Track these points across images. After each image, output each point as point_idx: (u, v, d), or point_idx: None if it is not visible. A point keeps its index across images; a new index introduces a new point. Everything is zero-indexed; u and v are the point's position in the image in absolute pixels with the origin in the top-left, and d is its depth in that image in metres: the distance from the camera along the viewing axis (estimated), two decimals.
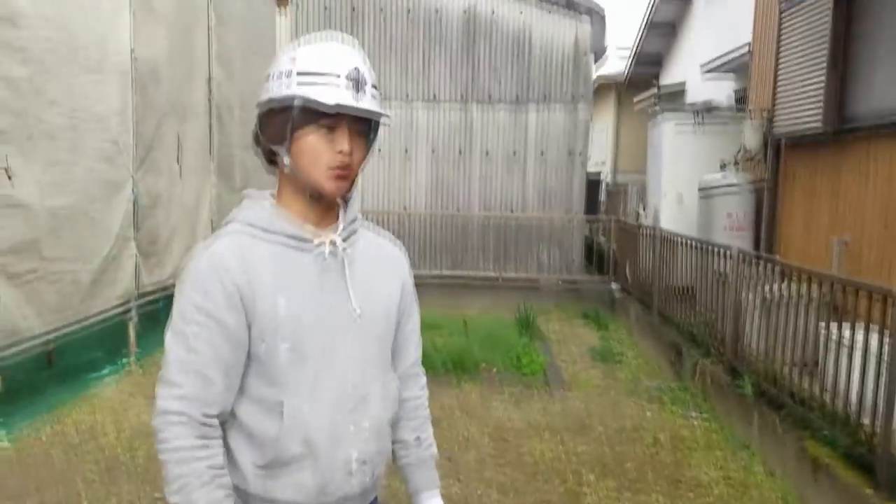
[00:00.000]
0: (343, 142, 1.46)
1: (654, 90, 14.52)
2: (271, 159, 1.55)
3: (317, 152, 1.47)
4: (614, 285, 9.87)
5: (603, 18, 10.23)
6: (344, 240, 1.56)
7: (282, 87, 1.46)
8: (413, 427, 1.77)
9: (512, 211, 10.51)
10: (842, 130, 5.86)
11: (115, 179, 5.96)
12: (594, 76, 12.96)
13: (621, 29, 15.92)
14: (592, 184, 11.97)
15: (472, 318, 7.90)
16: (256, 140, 1.56)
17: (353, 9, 10.28)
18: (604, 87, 17.43)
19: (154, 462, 4.35)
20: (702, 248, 6.37)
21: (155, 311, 7.58)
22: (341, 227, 1.57)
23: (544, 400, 5.81)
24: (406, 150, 10.51)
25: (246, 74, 8.64)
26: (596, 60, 10.76)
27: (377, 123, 1.55)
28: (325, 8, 10.31)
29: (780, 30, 6.90)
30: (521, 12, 10.19)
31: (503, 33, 10.25)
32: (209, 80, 8.16)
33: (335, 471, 1.53)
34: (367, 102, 1.45)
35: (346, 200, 1.62)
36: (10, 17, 4.52)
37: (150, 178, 6.62)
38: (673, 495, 4.15)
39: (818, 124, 6.01)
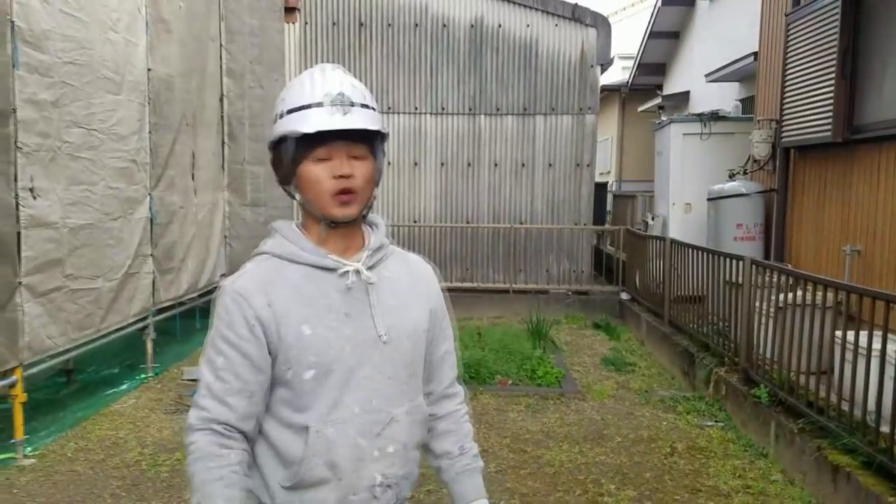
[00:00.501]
0: (340, 166, 1.52)
1: (658, 99, 14.60)
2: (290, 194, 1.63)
3: (318, 181, 1.53)
4: (624, 294, 9.92)
5: (609, 29, 10.31)
6: (370, 267, 1.61)
7: (276, 129, 1.55)
8: (456, 439, 1.79)
9: (521, 221, 10.57)
10: (852, 139, 5.92)
11: (133, 197, 6.04)
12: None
13: (624, 37, 15.98)
14: (599, 193, 12.01)
15: (484, 329, 7.95)
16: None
17: (361, 23, 10.38)
18: (607, 96, 17.50)
19: (179, 475, 4.45)
20: (714, 257, 6.42)
21: (171, 325, 7.67)
22: (366, 254, 1.62)
23: (560, 410, 5.86)
24: (415, 163, 10.59)
25: (256, 89, 8.73)
26: (602, 70, 10.82)
27: (381, 141, 1.60)
28: (334, 23, 10.41)
29: (786, 39, 6.97)
30: (528, 25, 10.28)
31: (510, 45, 10.34)
32: (221, 95, 8.26)
33: (359, 493, 1.56)
34: (353, 121, 1.50)
35: (371, 225, 1.69)
36: (36, 42, 4.61)
37: (165, 194, 6.70)
38: None
39: (828, 133, 6.07)
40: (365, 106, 1.53)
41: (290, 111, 1.53)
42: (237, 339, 1.51)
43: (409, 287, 1.69)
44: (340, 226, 1.58)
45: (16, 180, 4.49)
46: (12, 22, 4.38)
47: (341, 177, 1.52)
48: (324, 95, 1.50)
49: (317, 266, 1.57)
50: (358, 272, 1.58)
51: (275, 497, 1.57)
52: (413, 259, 1.77)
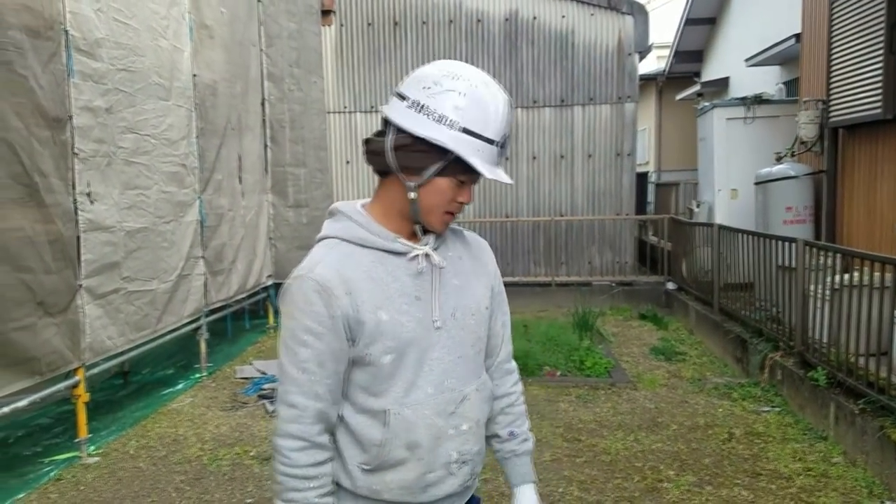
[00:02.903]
0: (468, 195, 1.57)
1: (697, 86, 14.40)
2: (382, 171, 1.58)
3: (445, 198, 1.54)
4: (670, 284, 9.81)
5: (646, 16, 10.21)
6: (435, 248, 1.62)
7: (441, 133, 1.47)
8: (507, 422, 1.82)
9: (561, 214, 10.53)
10: None
11: (183, 200, 6.16)
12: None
13: (659, 26, 15.80)
14: (640, 183, 11.91)
15: (529, 322, 7.93)
16: (377, 152, 1.54)
17: (396, 23, 10.45)
18: (643, 86, 17.29)
19: (240, 469, 4.54)
20: (765, 241, 6.32)
21: (221, 327, 7.81)
22: (433, 238, 1.62)
23: (612, 399, 5.82)
24: None
25: (295, 92, 8.85)
26: (641, 58, 10.71)
27: None
28: (369, 24, 10.49)
29: (831, 17, 6.83)
30: (563, 16, 10.24)
31: (546, 37, 10.31)
32: (263, 99, 8.38)
33: (436, 471, 1.60)
34: (502, 173, 1.56)
35: None
36: (90, 50, 4.74)
37: (213, 197, 6.83)
38: (754, 488, 4.14)
39: (878, 110, 5.94)
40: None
41: (468, 131, 1.48)
42: (320, 329, 1.51)
43: (471, 266, 1.71)
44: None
45: (74, 186, 4.62)
46: (66, 31, 4.51)
47: (462, 203, 1.57)
48: (499, 133, 1.52)
49: (387, 250, 1.58)
50: (427, 256, 1.59)
51: (355, 479, 1.60)
52: (469, 236, 1.79)
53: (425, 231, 1.61)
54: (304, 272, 1.55)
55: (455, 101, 1.47)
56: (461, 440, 1.62)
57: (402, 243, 1.58)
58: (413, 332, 1.56)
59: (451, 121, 1.47)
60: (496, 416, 1.80)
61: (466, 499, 1.73)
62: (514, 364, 1.87)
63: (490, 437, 1.81)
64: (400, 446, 1.56)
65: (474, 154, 1.48)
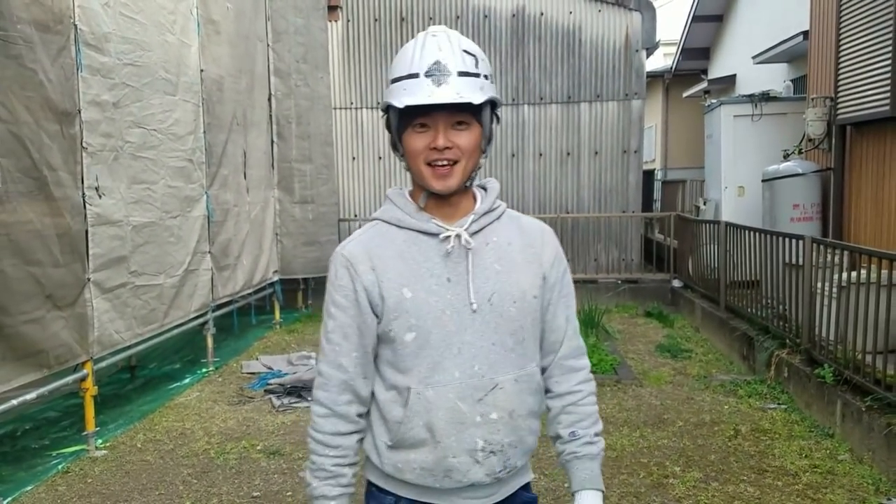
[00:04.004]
0: (436, 137, 1.51)
1: (704, 84, 14.36)
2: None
3: (416, 150, 1.54)
4: (676, 282, 9.80)
5: (653, 12, 10.18)
6: (476, 231, 1.60)
7: (385, 98, 1.57)
8: (569, 422, 1.71)
9: (567, 211, 10.51)
10: None
11: (190, 195, 6.18)
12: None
13: (667, 23, 15.76)
14: (646, 181, 11.88)
15: None
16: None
17: (403, 18, 10.44)
18: (650, 83, 17.25)
19: (247, 462, 4.55)
20: (772, 238, 6.30)
21: (228, 322, 7.84)
22: (471, 219, 1.60)
23: (618, 396, 5.82)
24: None
25: (302, 87, 8.85)
26: (648, 55, 10.69)
27: (490, 107, 1.56)
28: (375, 20, 10.48)
29: (839, 15, 6.81)
30: (571, 12, 10.22)
31: (553, 33, 10.29)
32: (269, 95, 8.40)
33: (459, 457, 1.56)
34: (445, 93, 1.47)
35: (482, 188, 1.69)
36: (98, 44, 4.75)
37: (220, 192, 6.85)
38: (760, 484, 4.14)
39: (886, 108, 5.91)
40: (465, 73, 1.50)
41: (393, 80, 1.54)
42: (345, 303, 1.59)
43: (520, 252, 1.65)
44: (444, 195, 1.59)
45: (82, 180, 4.64)
46: (75, 25, 4.52)
47: (435, 148, 1.52)
48: (422, 65, 1.50)
49: (420, 230, 1.59)
50: (459, 237, 1.57)
51: (382, 456, 1.63)
52: (527, 222, 1.72)
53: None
54: (338, 249, 1.64)
55: (393, 63, 1.59)
56: (489, 429, 1.57)
57: (436, 224, 1.59)
58: (440, 313, 1.55)
59: (388, 81, 1.57)
60: (557, 415, 1.72)
61: (500, 492, 1.66)
62: (583, 362, 1.76)
63: (553, 440, 1.74)
64: (419, 426, 1.56)
65: (400, 95, 1.51)
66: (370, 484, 1.70)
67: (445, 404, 1.56)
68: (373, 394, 1.64)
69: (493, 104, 1.57)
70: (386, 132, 1.66)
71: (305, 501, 3.47)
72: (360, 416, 1.64)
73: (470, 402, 1.56)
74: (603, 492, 1.71)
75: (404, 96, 1.50)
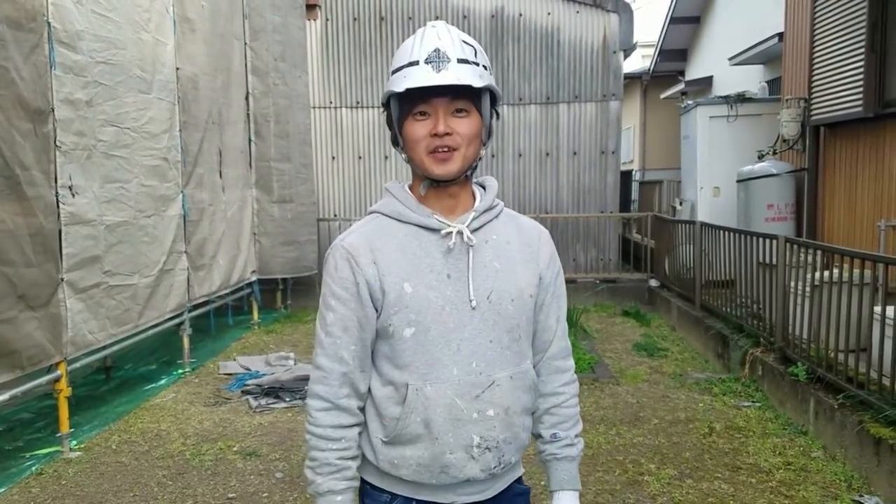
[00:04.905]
0: (436, 124, 1.52)
1: (681, 85, 14.49)
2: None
3: (416, 138, 1.54)
4: (653, 282, 9.88)
5: (631, 14, 10.25)
6: (476, 228, 1.61)
7: (386, 89, 1.58)
8: (551, 423, 1.75)
9: (546, 211, 10.55)
10: (883, 114, 5.86)
11: (165, 194, 6.13)
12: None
13: (644, 24, 15.88)
14: (624, 181, 11.96)
15: None
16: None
17: (382, 18, 10.42)
18: (628, 85, 17.37)
19: (222, 464, 4.52)
20: (746, 238, 6.37)
21: (205, 322, 7.77)
22: (472, 215, 1.62)
23: (595, 394, 5.86)
24: None
25: (280, 86, 8.81)
26: (625, 56, 10.75)
27: (489, 96, 1.57)
28: (354, 19, 10.46)
29: (813, 17, 6.90)
30: (549, 13, 10.26)
31: (531, 34, 10.33)
32: (247, 93, 8.34)
33: (455, 453, 1.58)
34: (446, 77, 1.49)
35: (481, 186, 1.70)
36: (70, 42, 4.70)
37: (195, 191, 6.79)
38: (734, 481, 4.18)
39: (859, 108, 6.01)
40: (464, 61, 1.51)
41: (393, 71, 1.56)
42: (345, 295, 1.57)
43: (518, 250, 1.67)
44: (444, 185, 1.59)
45: (56, 179, 4.58)
46: (49, 23, 4.47)
47: (436, 135, 1.52)
48: (421, 53, 1.52)
49: (421, 226, 1.59)
50: (461, 233, 1.59)
51: (377, 451, 1.62)
52: (525, 222, 1.76)
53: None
54: (337, 241, 1.62)
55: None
56: (485, 425, 1.59)
57: (437, 219, 1.60)
58: (440, 309, 1.56)
59: (388, 74, 1.58)
60: (541, 415, 1.75)
61: (494, 487, 1.68)
62: (569, 363, 1.79)
63: (535, 439, 1.77)
64: (417, 422, 1.56)
65: (400, 81, 1.52)
66: (364, 482, 1.70)
67: (444, 401, 1.56)
68: (369, 389, 1.63)
69: (492, 98, 1.59)
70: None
71: (308, 502, 3.47)
72: (359, 409, 1.64)
73: (468, 398, 1.58)
74: (580, 491, 1.76)
75: (405, 82, 1.51)
